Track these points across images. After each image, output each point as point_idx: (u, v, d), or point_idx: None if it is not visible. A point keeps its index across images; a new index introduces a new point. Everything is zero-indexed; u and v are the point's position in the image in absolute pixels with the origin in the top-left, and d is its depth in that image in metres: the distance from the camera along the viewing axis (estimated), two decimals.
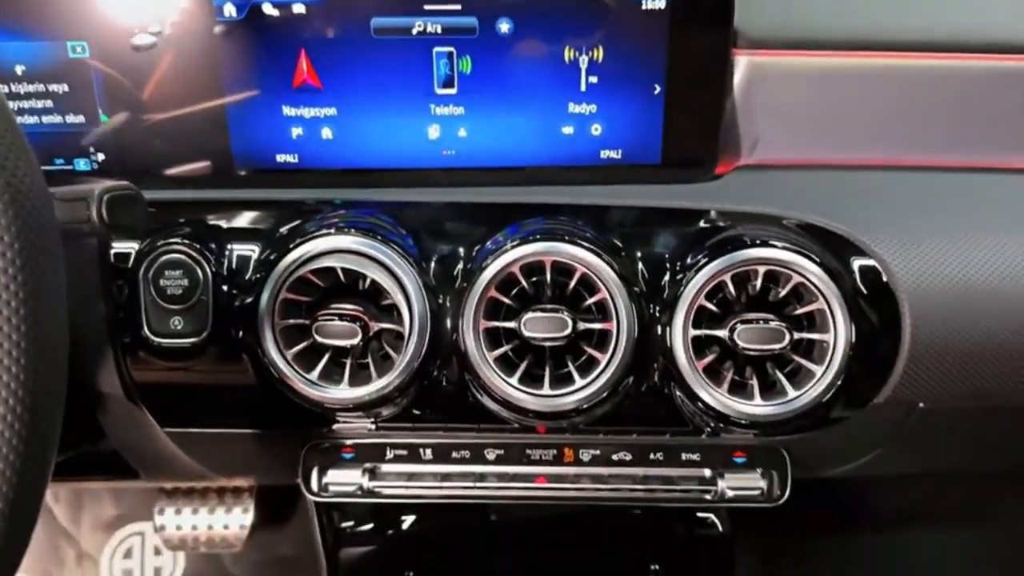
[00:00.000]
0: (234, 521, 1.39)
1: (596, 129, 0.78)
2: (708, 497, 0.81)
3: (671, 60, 0.75)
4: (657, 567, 0.99)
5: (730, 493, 0.80)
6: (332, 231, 0.70)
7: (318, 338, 0.70)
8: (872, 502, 1.50)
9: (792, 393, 0.70)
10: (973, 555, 1.49)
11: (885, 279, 0.71)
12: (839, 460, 0.85)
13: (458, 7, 0.74)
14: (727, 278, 0.69)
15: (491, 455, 0.82)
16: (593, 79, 0.76)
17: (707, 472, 0.81)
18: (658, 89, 0.77)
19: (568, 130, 0.78)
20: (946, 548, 1.50)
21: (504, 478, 0.82)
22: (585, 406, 0.71)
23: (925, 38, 0.78)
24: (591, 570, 1.01)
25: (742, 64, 0.78)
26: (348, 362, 0.72)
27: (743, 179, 0.78)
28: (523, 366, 0.71)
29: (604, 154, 0.79)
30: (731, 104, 0.78)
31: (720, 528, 1.02)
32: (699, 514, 1.02)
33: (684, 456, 0.81)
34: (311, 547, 1.08)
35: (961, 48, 0.77)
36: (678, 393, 0.73)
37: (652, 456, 0.81)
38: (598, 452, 0.81)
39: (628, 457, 0.81)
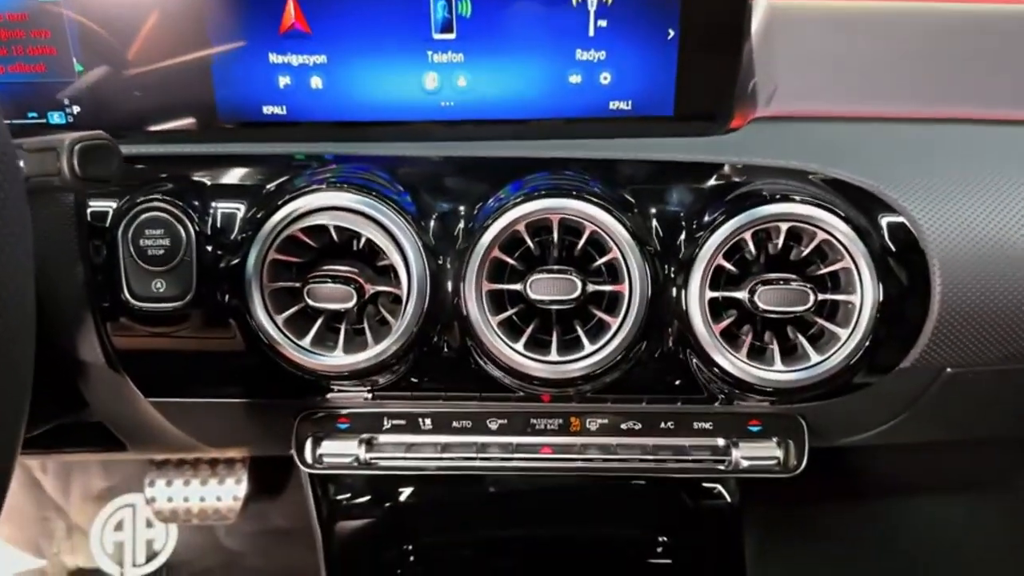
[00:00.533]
0: (227, 493, 1.36)
1: (605, 78, 0.73)
2: (721, 467, 0.77)
3: (686, 2, 0.70)
4: (664, 539, 0.96)
5: (744, 463, 0.77)
6: (323, 187, 0.66)
7: (310, 302, 0.65)
8: (884, 470, 1.48)
9: (815, 358, 0.66)
10: (989, 524, 1.47)
11: (914, 236, 0.67)
12: (858, 428, 0.82)
13: None
14: (747, 236, 0.65)
15: (494, 425, 0.78)
16: (602, 23, 0.71)
17: (720, 442, 0.77)
18: (672, 34, 0.71)
19: (575, 79, 0.73)
20: (961, 517, 1.48)
21: (507, 449, 0.78)
22: (594, 373, 0.67)
23: None
24: (596, 543, 0.97)
25: (761, 7, 0.73)
26: (343, 327, 0.68)
27: (761, 131, 0.73)
28: (528, 331, 0.67)
29: (613, 105, 0.74)
30: (748, 51, 0.73)
31: (728, 499, 0.99)
32: (706, 484, 0.99)
33: (696, 425, 0.77)
34: (307, 519, 1.04)
35: None
36: (693, 360, 0.69)
37: (663, 425, 0.77)
38: (606, 421, 0.77)
39: (638, 427, 0.77)
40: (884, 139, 0.73)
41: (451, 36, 0.71)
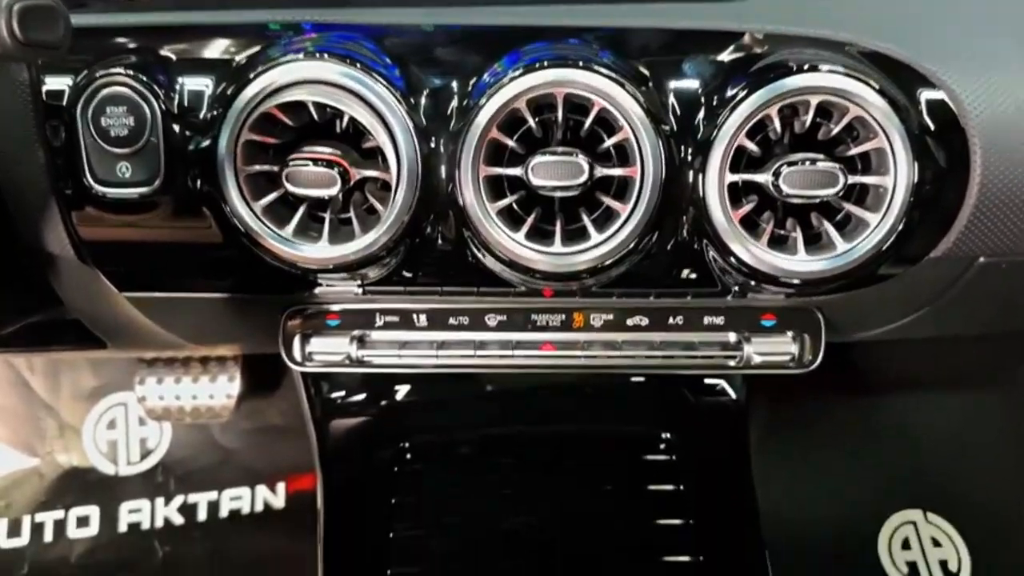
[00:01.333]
0: (219, 391, 1.33)
1: None
2: (732, 364, 0.73)
3: None
4: (668, 435, 0.93)
5: (757, 359, 0.73)
6: (301, 57, 0.59)
7: (289, 187, 0.60)
8: (889, 367, 1.46)
9: (841, 247, 0.61)
10: (993, 420, 1.46)
11: (954, 113, 0.61)
12: (878, 321, 0.77)
13: None
14: (772, 112, 0.59)
15: (492, 321, 0.73)
16: None
17: (732, 337, 0.73)
18: None
19: None
20: (965, 412, 1.46)
21: (507, 346, 0.74)
22: (601, 265, 0.62)
23: None
24: (597, 442, 0.94)
25: None
26: (327, 217, 0.62)
27: None
28: (530, 220, 0.62)
29: None
30: None
31: (734, 396, 0.96)
32: (710, 382, 0.95)
33: (707, 320, 0.73)
34: (301, 417, 1.02)
35: None
36: (709, 250, 0.63)
37: (671, 321, 0.73)
38: (611, 317, 0.73)
39: (644, 322, 0.73)
40: (921, 6, 0.66)
41: None
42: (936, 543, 1.39)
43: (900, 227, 0.60)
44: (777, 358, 0.73)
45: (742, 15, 0.64)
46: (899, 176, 0.59)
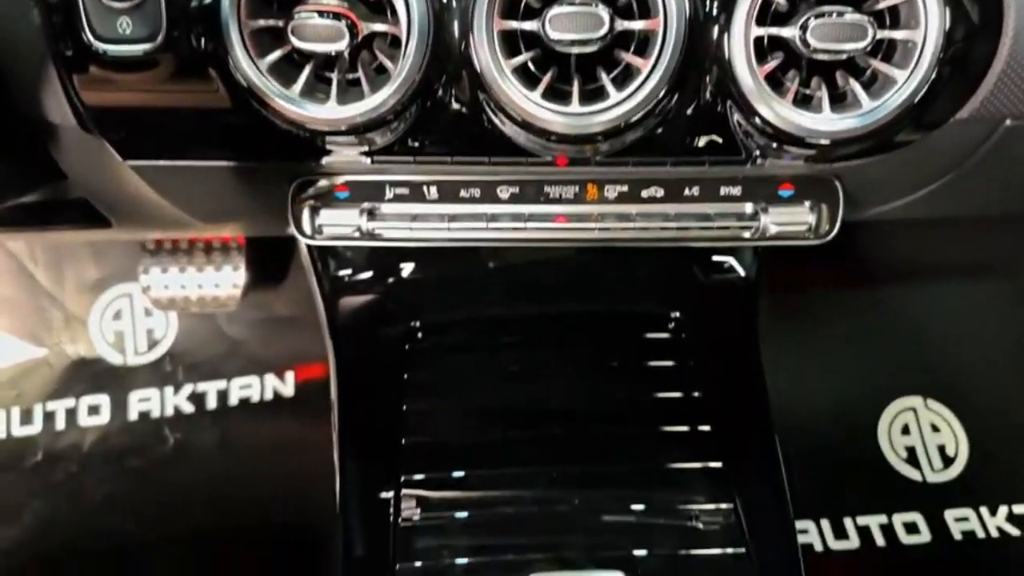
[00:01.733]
0: (225, 280, 1.32)
1: None
2: (747, 235, 0.72)
3: None
4: (677, 314, 0.93)
5: (773, 229, 0.72)
6: None
7: (295, 41, 0.57)
8: (900, 252, 1.45)
9: (868, 104, 0.59)
10: (1001, 310, 1.47)
11: None
12: (896, 193, 0.76)
13: None
14: None
15: (504, 193, 0.72)
16: None
17: (748, 207, 0.72)
18: None
19: None
20: (973, 299, 1.47)
21: (519, 219, 0.72)
22: (619, 127, 0.60)
23: None
24: (607, 319, 0.94)
25: None
26: (335, 75, 0.60)
27: None
28: (547, 79, 0.59)
29: None
30: None
31: (743, 273, 0.95)
32: (720, 258, 0.95)
33: (724, 191, 0.71)
34: (308, 304, 1.01)
35: None
36: (733, 112, 0.61)
37: (687, 192, 0.71)
38: (625, 188, 0.71)
39: (659, 193, 0.71)
40: None
41: None
42: (935, 428, 1.42)
43: (928, 84, 0.58)
44: (794, 228, 0.72)
45: None
46: (929, 30, 0.56)
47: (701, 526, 0.79)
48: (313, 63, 0.60)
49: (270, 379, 1.42)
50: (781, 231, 0.72)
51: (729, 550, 0.78)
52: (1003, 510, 1.35)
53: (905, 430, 1.41)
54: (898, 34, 0.58)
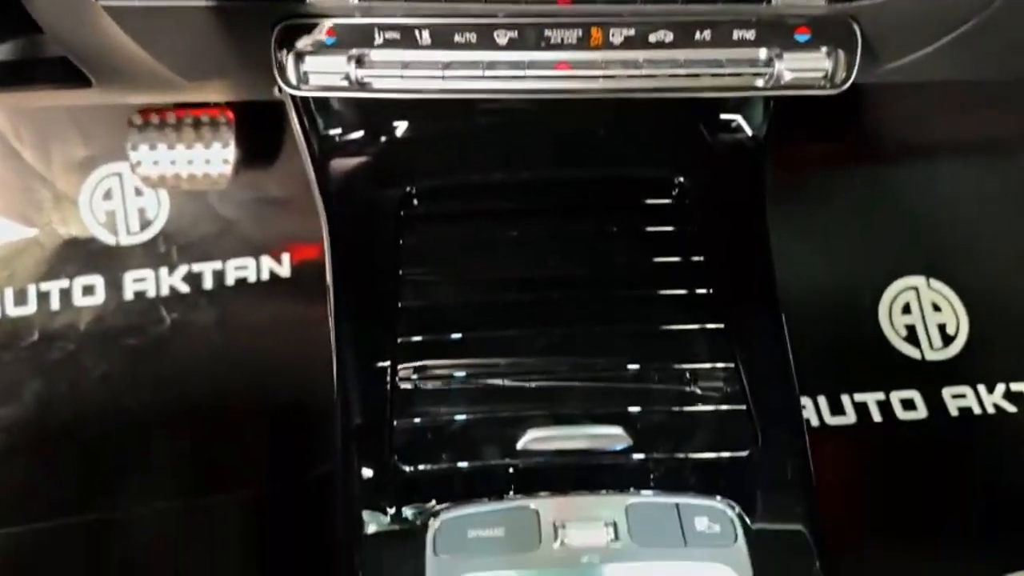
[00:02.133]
0: (216, 156, 1.28)
1: None
2: (761, 84, 0.69)
3: None
4: (682, 179, 0.90)
5: (788, 76, 0.68)
6: None
7: None
8: (909, 135, 1.42)
9: None
10: (1006, 190, 1.45)
11: None
12: (913, 42, 0.72)
13: None
14: None
15: (502, 39, 0.68)
16: None
17: (763, 53, 0.68)
18: None
19: None
20: (978, 183, 1.45)
21: (519, 66, 0.68)
22: None
23: None
24: (609, 183, 0.91)
25: None
26: None
27: None
28: None
29: None
30: None
31: (751, 132, 0.92)
32: (728, 116, 0.91)
33: (737, 35, 0.67)
34: (302, 184, 0.98)
35: None
36: None
37: (698, 36, 0.67)
38: (632, 33, 0.67)
39: (669, 38, 0.67)
40: None
41: None
42: (936, 308, 1.41)
43: None
44: (811, 75, 0.68)
45: None
46: None
47: (701, 384, 0.78)
48: None
49: (266, 260, 1.40)
50: (797, 78, 0.68)
51: (729, 407, 0.77)
52: (1000, 388, 1.35)
53: (906, 309, 1.41)
54: None
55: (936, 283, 1.42)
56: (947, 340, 1.39)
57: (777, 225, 0.92)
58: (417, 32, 0.68)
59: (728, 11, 0.66)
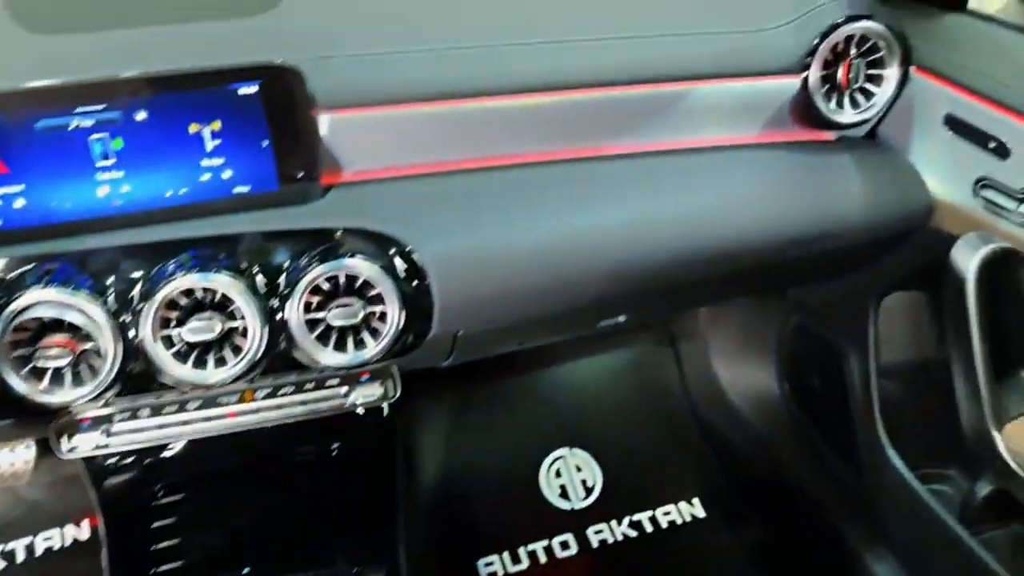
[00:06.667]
0: (18, 457, 1.68)
1: (227, 174, 1.10)
2: (347, 403, 1.22)
3: (271, 122, 1.08)
4: (335, 450, 1.43)
5: (361, 399, 1.22)
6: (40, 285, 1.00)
7: (39, 364, 1.01)
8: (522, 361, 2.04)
9: (371, 346, 1.10)
10: (618, 375, 2.09)
11: (422, 271, 1.11)
12: (424, 358, 1.28)
13: (103, 106, 1.02)
14: (320, 281, 1.06)
15: (193, 406, 1.18)
16: (217, 142, 1.07)
17: (344, 389, 1.22)
18: (266, 143, 1.09)
19: (206, 177, 1.09)
20: (594, 375, 2.08)
21: (208, 419, 1.18)
22: (234, 378, 1.07)
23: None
24: (287, 466, 1.43)
25: (327, 121, 1.12)
26: (66, 373, 1.04)
27: (341, 195, 1.14)
28: (194, 355, 1.06)
29: (236, 190, 1.11)
30: (324, 149, 1.13)
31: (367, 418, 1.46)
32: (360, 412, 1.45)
33: (329, 383, 1.21)
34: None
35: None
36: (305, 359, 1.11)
37: (307, 386, 1.20)
38: (269, 390, 1.19)
39: (291, 389, 1.20)
40: (413, 193, 1.15)
41: (111, 162, 1.05)
42: (579, 468, 1.99)
43: (397, 335, 1.10)
44: (372, 398, 1.23)
45: (313, 213, 1.10)
46: (393, 308, 1.08)
47: None
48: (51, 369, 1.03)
49: (69, 528, 1.78)
50: (365, 400, 1.22)
51: None
52: (626, 520, 1.94)
53: (558, 473, 1.98)
54: (378, 308, 1.09)
55: (576, 450, 2.01)
56: (588, 492, 1.97)
57: (433, 446, 1.44)
58: (140, 411, 1.16)
59: (324, 374, 1.20)
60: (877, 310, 1.56)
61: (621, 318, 1.43)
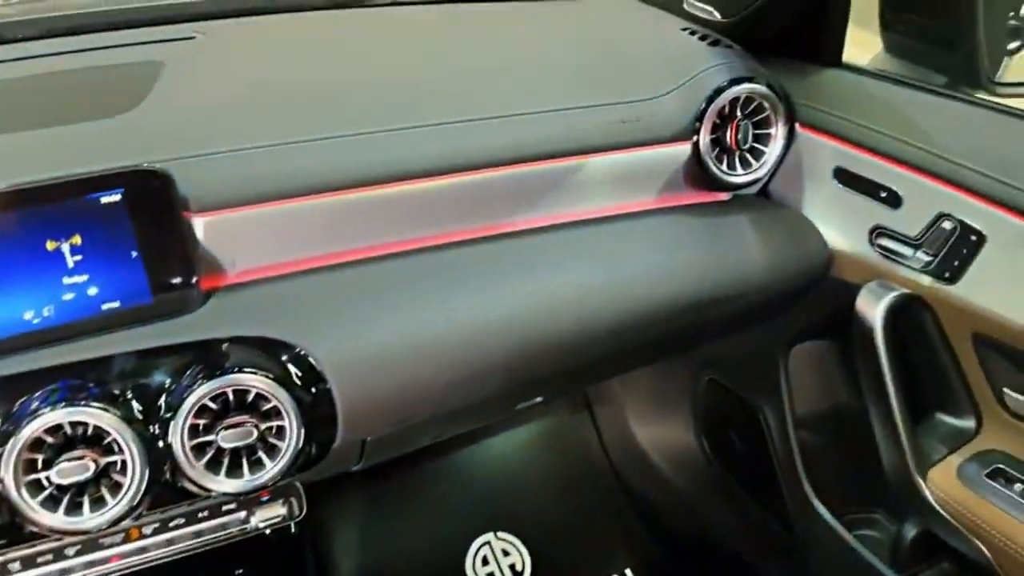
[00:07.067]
0: None
1: (93, 290, 0.99)
2: (248, 528, 1.11)
3: (138, 231, 0.98)
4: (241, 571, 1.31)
5: (262, 524, 1.11)
6: None
7: None
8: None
9: (268, 466, 1.00)
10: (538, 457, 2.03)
11: (320, 372, 1.02)
12: (331, 467, 1.18)
13: None
14: (207, 401, 0.97)
15: (71, 551, 1.05)
16: (79, 257, 0.97)
17: (243, 514, 1.11)
18: (135, 253, 1.00)
19: (69, 296, 0.99)
20: (516, 453, 2.01)
21: (91, 564, 1.05)
22: (119, 519, 0.95)
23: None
24: None
25: (201, 224, 1.03)
26: None
27: (223, 301, 1.05)
28: (66, 499, 0.94)
29: (105, 307, 1.01)
30: (201, 253, 1.04)
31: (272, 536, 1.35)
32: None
33: (224, 508, 1.10)
34: None
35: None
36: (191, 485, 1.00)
37: (201, 515, 1.09)
38: (157, 525, 1.08)
39: (182, 521, 1.08)
40: (302, 290, 1.07)
41: None
42: (506, 553, 1.91)
43: (298, 451, 1.00)
44: (276, 519, 1.12)
45: (192, 325, 1.01)
46: (292, 421, 0.99)
47: None
48: None
49: None
50: (268, 522, 1.12)
51: None
52: None
53: (484, 560, 1.89)
54: (274, 423, 1.00)
55: (503, 534, 1.93)
56: (517, 575, 1.88)
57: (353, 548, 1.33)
58: (15, 563, 1.03)
59: (217, 499, 1.09)
60: (787, 361, 1.55)
61: (538, 399, 1.37)
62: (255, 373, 0.98)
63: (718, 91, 1.27)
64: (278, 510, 1.12)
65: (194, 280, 1.03)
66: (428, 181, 1.13)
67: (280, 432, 1.00)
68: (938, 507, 1.28)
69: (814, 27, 1.40)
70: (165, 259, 1.00)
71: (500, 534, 1.92)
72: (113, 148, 1.02)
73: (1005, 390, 1.21)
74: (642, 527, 2.01)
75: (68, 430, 0.93)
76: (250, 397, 0.99)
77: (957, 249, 1.17)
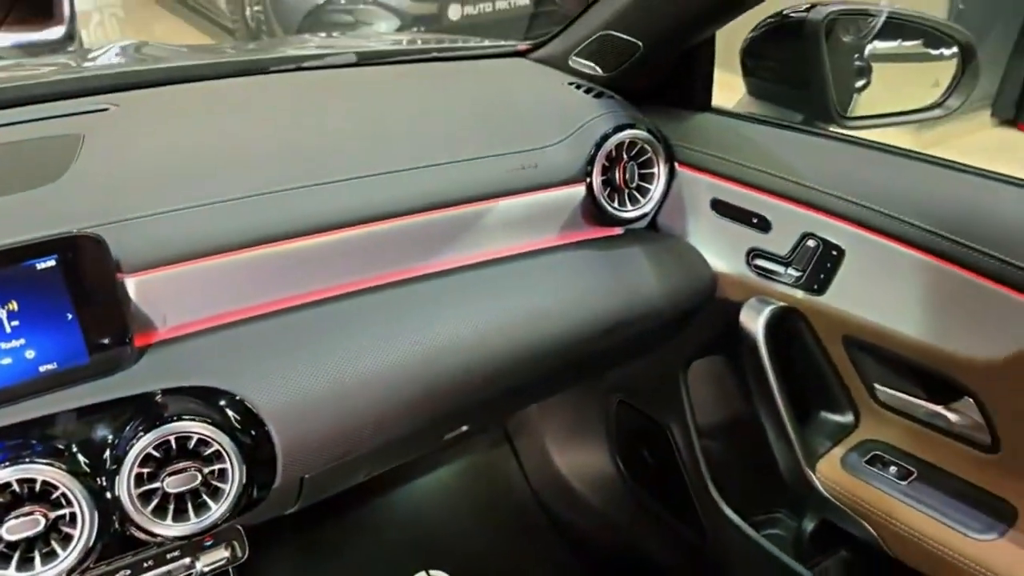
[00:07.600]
0: None
1: (30, 354, 1.03)
2: (193, 573, 1.15)
3: (73, 294, 1.03)
4: None
5: (207, 568, 1.16)
6: None
7: None
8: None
9: (215, 507, 1.05)
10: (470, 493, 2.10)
11: (258, 415, 1.09)
12: (271, 508, 1.23)
13: None
14: (150, 450, 1.02)
15: None
16: (15, 323, 1.02)
17: (188, 560, 1.15)
18: (70, 316, 1.05)
19: (7, 360, 1.02)
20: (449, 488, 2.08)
21: None
22: (67, 573, 0.98)
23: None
24: None
25: (132, 284, 1.09)
26: None
27: (158, 355, 1.10)
28: (17, 554, 0.97)
29: (43, 368, 1.05)
30: (133, 311, 1.09)
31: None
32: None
33: (169, 556, 1.14)
34: None
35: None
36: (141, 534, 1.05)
37: (146, 564, 1.13)
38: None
39: (128, 572, 1.12)
40: (234, 340, 1.14)
41: None
42: None
43: (241, 491, 1.06)
44: (222, 562, 1.17)
45: (130, 380, 1.06)
46: (232, 463, 1.05)
47: None
48: None
49: None
50: (213, 567, 1.16)
51: None
52: None
53: None
54: (217, 467, 1.05)
55: (434, 572, 1.99)
56: None
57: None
58: None
59: (164, 547, 1.12)
60: (686, 378, 1.69)
61: (464, 428, 1.46)
62: (195, 420, 1.03)
63: (605, 137, 1.42)
64: (222, 553, 1.16)
65: (128, 338, 1.08)
66: (344, 232, 1.22)
67: (223, 475, 1.06)
68: (829, 495, 1.42)
69: (685, 77, 1.57)
70: (100, 320, 1.06)
71: (432, 572, 1.98)
72: (42, 217, 1.07)
73: (875, 385, 1.37)
74: (566, 552, 2.10)
75: (16, 488, 0.96)
76: (192, 443, 1.04)
77: (822, 264, 1.33)
